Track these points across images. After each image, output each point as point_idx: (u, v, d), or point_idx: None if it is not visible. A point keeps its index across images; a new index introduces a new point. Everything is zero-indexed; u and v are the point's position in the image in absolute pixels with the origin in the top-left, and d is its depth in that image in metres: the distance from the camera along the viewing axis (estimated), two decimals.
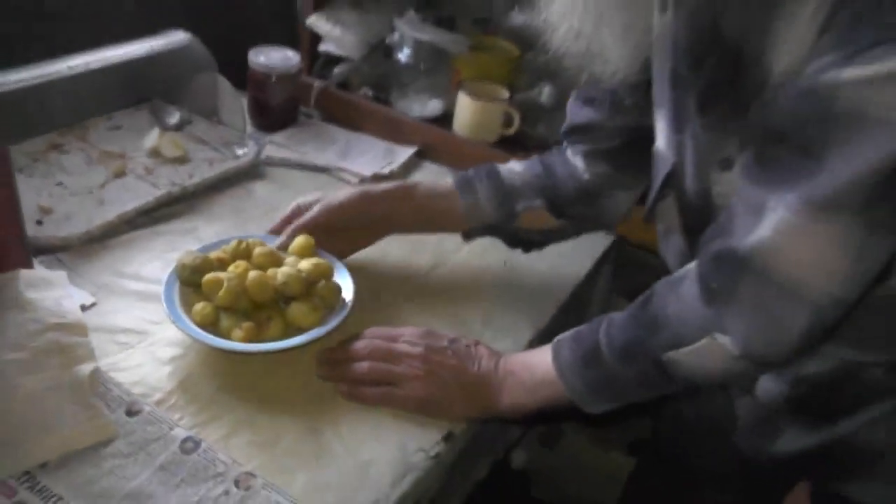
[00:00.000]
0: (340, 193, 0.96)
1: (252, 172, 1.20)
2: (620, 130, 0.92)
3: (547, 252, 1.07)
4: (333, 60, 1.46)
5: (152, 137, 1.18)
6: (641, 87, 0.80)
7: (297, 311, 0.83)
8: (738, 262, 0.63)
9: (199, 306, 0.81)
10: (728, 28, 0.63)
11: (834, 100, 0.54)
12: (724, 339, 0.66)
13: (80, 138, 1.16)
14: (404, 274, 1.03)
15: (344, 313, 0.86)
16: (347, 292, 0.89)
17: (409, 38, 1.42)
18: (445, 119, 1.40)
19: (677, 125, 0.74)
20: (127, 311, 0.88)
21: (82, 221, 0.99)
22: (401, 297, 0.98)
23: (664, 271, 0.79)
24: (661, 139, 0.78)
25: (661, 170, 0.79)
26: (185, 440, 0.71)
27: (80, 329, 0.78)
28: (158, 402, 0.76)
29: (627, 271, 1.25)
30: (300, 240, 0.91)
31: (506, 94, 1.39)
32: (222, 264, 0.86)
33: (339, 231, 0.95)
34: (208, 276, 0.82)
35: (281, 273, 0.84)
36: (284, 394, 0.81)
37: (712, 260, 0.66)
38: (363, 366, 0.82)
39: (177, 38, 1.20)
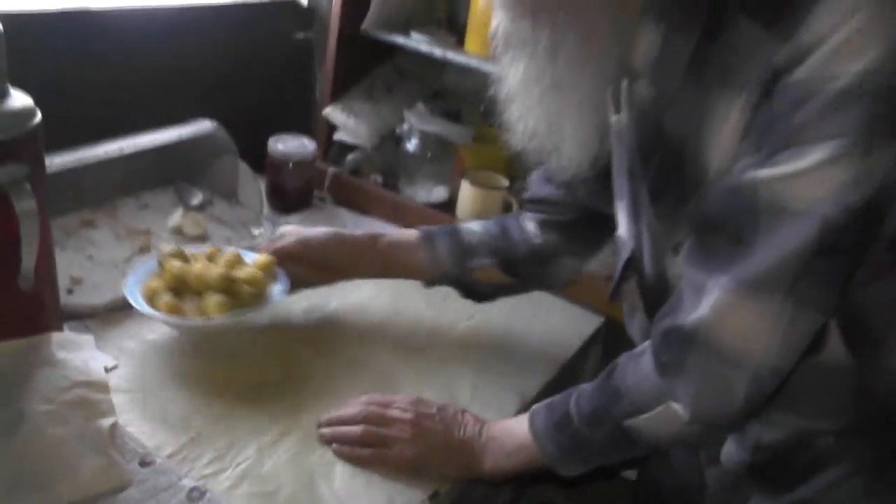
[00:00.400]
0: (317, 231, 1.09)
1: None
2: (573, 207, 1.03)
3: (537, 329, 1.15)
4: (347, 148, 1.57)
5: (176, 217, 1.28)
6: (593, 179, 0.88)
7: (209, 299, 0.98)
8: (684, 337, 0.71)
9: (152, 285, 0.99)
10: (670, 128, 0.72)
11: (755, 196, 0.63)
12: (676, 406, 0.73)
13: (110, 215, 1.26)
14: (402, 346, 1.11)
15: (247, 313, 1.00)
16: (270, 300, 1.03)
17: (417, 129, 1.53)
18: (449, 205, 1.50)
19: (635, 215, 0.83)
20: (145, 375, 0.96)
21: (108, 292, 1.08)
22: (399, 366, 1.06)
23: None
24: (623, 227, 0.87)
25: (622, 255, 0.87)
26: (192, 490, 0.78)
27: (103, 387, 0.86)
28: (170, 455, 0.83)
29: (619, 351, 1.32)
30: (263, 256, 1.05)
31: (505, 182, 1.49)
32: (191, 259, 1.04)
33: (307, 263, 1.07)
34: (170, 261, 1.01)
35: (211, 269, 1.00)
36: (285, 452, 0.88)
37: (662, 336, 0.74)
38: (357, 429, 0.89)
39: (202, 126, 1.31)
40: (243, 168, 1.36)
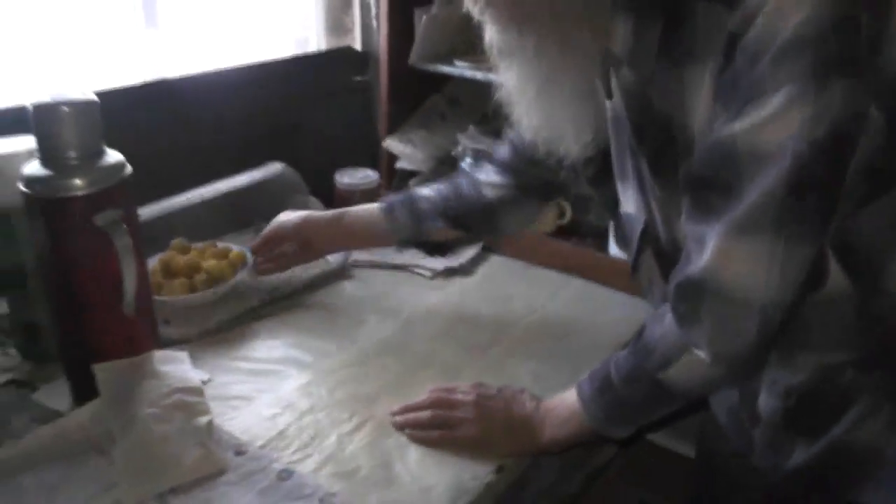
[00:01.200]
0: (290, 215, 1.28)
1: (341, 274, 1.41)
2: (536, 176, 1.16)
3: (596, 321, 1.27)
4: (408, 175, 1.69)
5: None
6: (591, 161, 0.98)
7: (175, 283, 1.22)
8: (694, 286, 0.78)
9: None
10: (657, 105, 0.81)
11: (734, 147, 0.71)
12: (698, 352, 0.80)
13: None
14: (467, 344, 1.20)
15: (196, 297, 1.22)
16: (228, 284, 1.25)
17: (470, 149, 1.64)
18: None
19: (641, 189, 0.90)
20: (237, 384, 1.08)
21: (198, 324, 1.21)
22: (464, 361, 1.15)
23: None
24: (630, 204, 0.95)
25: (634, 229, 0.95)
26: (281, 471, 0.89)
27: (199, 391, 0.99)
28: (261, 446, 0.94)
29: None
30: (235, 252, 1.30)
31: None
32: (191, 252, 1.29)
33: (286, 243, 1.28)
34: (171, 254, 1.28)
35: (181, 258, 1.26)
36: (363, 439, 0.98)
37: (676, 289, 0.81)
38: (426, 414, 0.99)
39: (273, 168, 1.45)
40: (314, 203, 1.49)
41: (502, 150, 1.21)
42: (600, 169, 0.99)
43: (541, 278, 1.43)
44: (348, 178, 1.55)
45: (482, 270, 1.47)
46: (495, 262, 1.50)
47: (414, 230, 1.24)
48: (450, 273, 1.44)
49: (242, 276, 1.28)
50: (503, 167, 1.20)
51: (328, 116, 1.74)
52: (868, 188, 0.74)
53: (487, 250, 1.53)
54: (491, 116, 1.75)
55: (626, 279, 1.31)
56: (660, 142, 0.82)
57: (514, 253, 1.51)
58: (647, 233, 0.94)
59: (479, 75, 1.56)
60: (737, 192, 0.72)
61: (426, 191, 1.25)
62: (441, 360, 1.16)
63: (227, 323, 1.23)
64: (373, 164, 1.67)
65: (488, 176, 1.21)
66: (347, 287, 1.38)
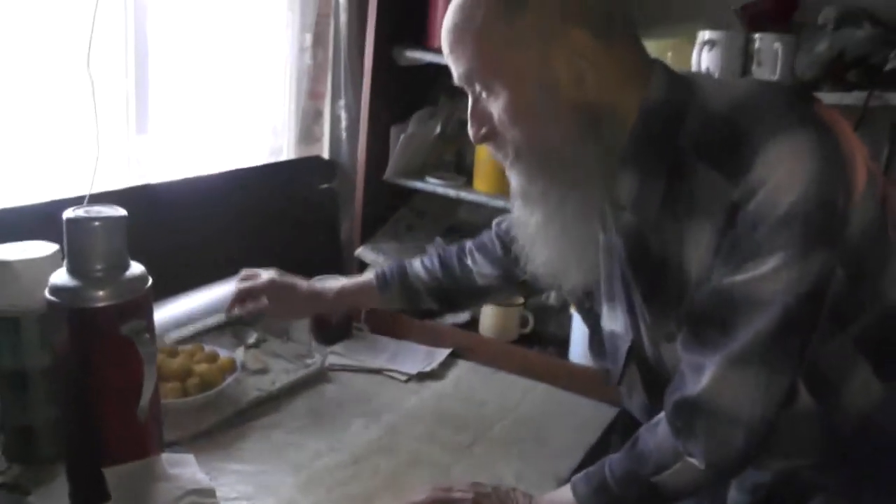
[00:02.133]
0: (287, 280, 1.37)
1: (320, 377, 1.48)
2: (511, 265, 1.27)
3: (563, 423, 1.35)
4: None
5: (239, 354, 1.47)
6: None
7: (167, 386, 1.24)
8: (691, 406, 0.90)
9: None
10: (654, 247, 0.94)
11: (732, 295, 0.85)
12: (692, 460, 0.91)
13: None
14: (451, 446, 1.28)
15: (189, 401, 1.26)
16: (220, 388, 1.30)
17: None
18: (473, 324, 1.70)
19: (630, 312, 1.03)
20: (237, 485, 1.13)
21: (192, 424, 1.25)
22: (451, 461, 1.23)
23: None
24: (618, 324, 1.07)
25: (619, 346, 1.07)
26: None
27: (211, 493, 1.03)
28: None
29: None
30: (225, 358, 1.37)
31: (521, 300, 1.68)
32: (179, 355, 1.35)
33: (273, 302, 1.35)
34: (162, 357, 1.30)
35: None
36: None
37: (673, 407, 0.92)
38: None
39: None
40: None
41: (494, 246, 1.32)
42: (588, 292, 1.11)
43: (509, 383, 1.53)
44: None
45: (452, 374, 1.56)
46: (464, 367, 1.59)
47: (405, 304, 1.38)
48: (422, 377, 1.52)
49: (232, 380, 1.33)
50: (494, 261, 1.32)
51: (297, 223, 1.82)
52: (831, 327, 0.88)
53: (455, 355, 1.62)
54: (456, 228, 1.89)
55: (588, 384, 1.44)
56: (654, 278, 0.95)
57: (482, 359, 1.61)
58: (634, 350, 1.05)
59: (450, 192, 1.68)
60: (732, 331, 0.86)
61: (419, 269, 1.35)
62: (428, 460, 1.23)
63: (218, 425, 1.27)
64: (338, 270, 1.75)
65: (480, 267, 1.33)
66: (328, 390, 1.45)
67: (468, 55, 0.93)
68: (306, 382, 1.45)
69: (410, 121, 1.78)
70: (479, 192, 1.72)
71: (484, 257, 1.33)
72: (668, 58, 1.56)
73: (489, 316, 1.68)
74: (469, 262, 1.34)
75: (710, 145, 0.87)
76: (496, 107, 0.93)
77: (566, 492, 1.04)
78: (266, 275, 1.36)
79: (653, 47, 1.52)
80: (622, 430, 1.43)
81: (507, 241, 1.28)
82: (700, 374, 0.89)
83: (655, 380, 1.02)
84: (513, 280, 1.32)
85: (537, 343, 1.68)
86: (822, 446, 0.94)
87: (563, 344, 1.63)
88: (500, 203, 1.71)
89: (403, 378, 1.51)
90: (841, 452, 0.94)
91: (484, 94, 0.94)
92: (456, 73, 0.96)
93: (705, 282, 0.89)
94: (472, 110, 0.97)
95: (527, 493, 1.09)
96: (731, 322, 0.86)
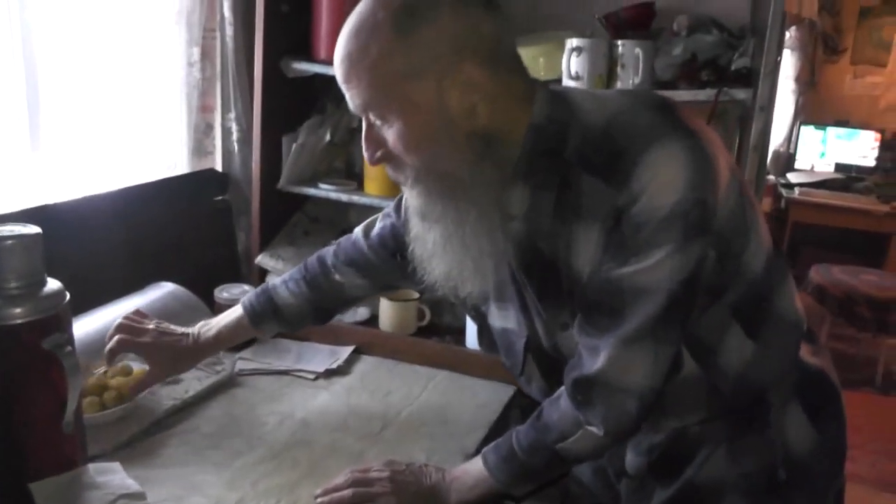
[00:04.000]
0: (141, 344, 1.34)
1: (232, 382, 1.53)
2: (395, 276, 1.37)
3: (467, 403, 1.45)
4: None
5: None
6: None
7: (86, 401, 1.27)
8: (589, 382, 1.03)
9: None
10: (545, 250, 1.06)
11: (621, 284, 0.98)
12: (591, 428, 1.04)
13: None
14: (363, 433, 1.37)
15: (108, 414, 1.30)
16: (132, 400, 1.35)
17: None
18: (373, 320, 1.79)
19: (524, 310, 1.15)
20: (165, 489, 1.17)
21: (114, 436, 1.29)
22: (365, 447, 1.32)
23: None
24: (511, 322, 1.19)
25: (516, 342, 1.20)
26: None
27: (142, 496, 1.09)
28: None
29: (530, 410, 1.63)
30: (137, 370, 1.39)
31: (416, 294, 1.79)
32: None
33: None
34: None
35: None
36: None
37: (573, 384, 1.05)
38: (348, 492, 1.14)
39: (166, 288, 1.56)
40: (204, 314, 1.59)
41: (366, 258, 1.39)
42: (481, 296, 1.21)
43: (412, 373, 1.63)
44: (227, 293, 1.68)
45: (358, 369, 1.64)
46: (369, 362, 1.68)
47: (284, 329, 1.44)
48: (330, 374, 1.60)
49: (147, 391, 1.37)
50: (366, 271, 1.39)
51: (197, 235, 1.86)
52: (706, 299, 1.03)
53: (359, 352, 1.71)
54: (349, 231, 1.96)
55: (484, 368, 1.56)
56: (545, 278, 1.08)
57: (384, 353, 1.70)
58: (530, 344, 1.18)
59: (343, 197, 1.77)
60: (622, 315, 0.99)
61: (286, 296, 1.39)
62: (343, 448, 1.32)
63: (138, 436, 1.31)
64: (237, 279, 1.81)
65: (350, 279, 1.40)
66: (240, 393, 1.51)
67: (363, 86, 0.97)
68: (218, 388, 1.50)
69: (300, 130, 1.85)
70: (370, 195, 1.81)
71: (355, 271, 1.39)
72: (540, 63, 1.70)
73: (387, 312, 1.77)
74: (337, 277, 1.40)
75: (593, 157, 0.98)
76: (391, 134, 0.99)
77: (477, 462, 1.14)
78: (147, 330, 1.35)
79: (526, 54, 1.67)
80: (520, 406, 1.56)
81: (381, 251, 1.36)
82: (596, 354, 1.02)
83: (553, 366, 1.15)
84: (384, 285, 1.44)
85: (435, 334, 1.79)
86: (707, 405, 1.10)
87: (459, 333, 1.75)
88: (389, 204, 1.80)
89: (311, 376, 1.59)
90: (722, 408, 1.10)
91: (378, 122, 1.00)
92: (351, 102, 1.00)
93: (595, 275, 1.01)
94: (366, 135, 1.02)
95: (439, 467, 1.19)
96: (621, 308, 0.99)
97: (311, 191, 1.82)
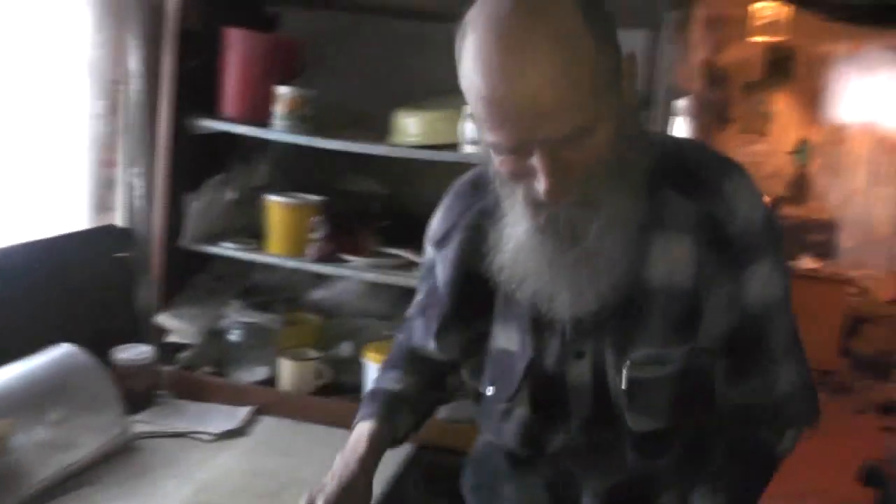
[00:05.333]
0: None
1: (126, 447, 1.51)
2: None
3: None
4: (179, 347, 1.83)
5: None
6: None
7: None
8: (779, 406, 1.10)
9: None
10: None
11: (754, 312, 1.05)
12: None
13: None
14: (262, 495, 1.36)
15: None
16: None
17: (236, 322, 1.82)
18: (273, 380, 1.79)
19: (536, 331, 1.06)
20: None
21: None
22: None
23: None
24: (514, 343, 1.09)
25: (515, 364, 1.09)
26: None
27: None
28: None
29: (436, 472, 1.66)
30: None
31: (316, 353, 1.80)
32: None
33: None
34: None
35: None
36: None
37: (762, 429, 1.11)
38: None
39: (64, 351, 1.52)
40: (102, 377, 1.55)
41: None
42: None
43: (312, 432, 1.65)
44: (125, 353, 1.66)
45: (257, 430, 1.65)
46: (268, 423, 1.69)
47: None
48: (229, 435, 1.59)
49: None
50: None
51: (97, 293, 1.83)
52: None
53: (259, 412, 1.71)
54: (252, 290, 1.97)
55: None
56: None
57: (285, 413, 1.71)
58: (531, 369, 1.08)
59: (244, 255, 1.78)
60: (766, 338, 1.07)
61: (399, 388, 1.22)
62: None
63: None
64: (137, 338, 1.78)
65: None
66: (136, 457, 1.49)
67: (568, 110, 0.86)
68: (114, 453, 1.47)
69: (204, 188, 1.85)
70: (272, 254, 1.82)
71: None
72: (438, 128, 1.75)
73: (286, 371, 1.77)
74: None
75: (677, 173, 1.00)
76: (594, 142, 0.89)
77: None
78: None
79: (424, 118, 1.73)
80: (420, 464, 1.58)
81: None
82: (770, 389, 1.07)
83: (547, 395, 1.08)
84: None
85: (335, 392, 1.80)
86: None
87: (357, 391, 1.74)
88: (291, 264, 1.83)
89: (210, 438, 1.58)
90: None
91: (570, 145, 0.88)
92: (544, 143, 0.87)
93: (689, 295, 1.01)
94: (554, 170, 0.88)
95: None
96: (765, 332, 1.05)
97: (214, 249, 1.82)
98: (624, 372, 1.03)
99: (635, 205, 0.96)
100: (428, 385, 1.24)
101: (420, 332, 1.22)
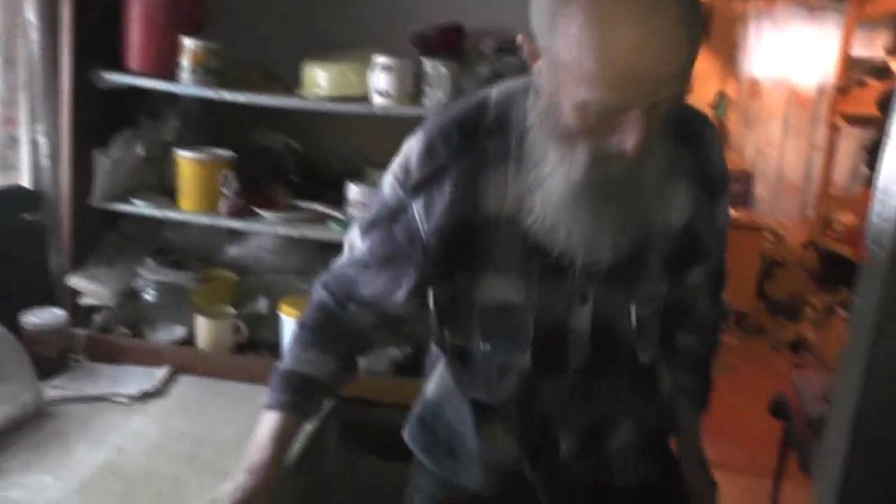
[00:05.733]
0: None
1: (39, 413, 1.47)
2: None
3: None
4: (93, 309, 1.79)
5: None
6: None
7: None
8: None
9: None
10: None
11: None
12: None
13: None
14: (178, 456, 1.36)
15: None
16: None
17: (151, 281, 1.79)
18: (190, 340, 1.77)
19: (543, 279, 1.04)
20: None
21: None
22: (182, 471, 1.31)
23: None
24: (515, 294, 1.06)
25: (522, 316, 1.07)
26: None
27: None
28: None
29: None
30: None
31: (232, 310, 1.79)
32: None
33: None
34: None
35: None
36: None
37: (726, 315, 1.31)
38: None
39: None
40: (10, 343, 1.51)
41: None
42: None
43: (230, 391, 1.64)
44: (36, 318, 1.61)
45: (176, 390, 1.63)
46: (186, 382, 1.67)
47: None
48: (146, 396, 1.57)
49: None
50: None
51: (5, 255, 1.76)
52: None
53: (176, 372, 1.69)
54: (164, 249, 1.93)
55: None
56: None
57: (202, 372, 1.69)
58: (540, 318, 1.07)
59: (157, 213, 1.74)
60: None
61: (315, 364, 1.17)
62: (158, 473, 1.32)
63: None
64: (51, 301, 1.73)
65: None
66: (48, 424, 1.46)
67: (686, 72, 0.88)
68: (26, 420, 1.44)
69: (113, 144, 1.80)
70: (185, 210, 1.79)
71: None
72: (350, 79, 1.74)
73: (203, 329, 1.75)
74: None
75: (673, 125, 0.97)
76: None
77: None
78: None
79: (336, 69, 1.71)
80: (341, 416, 1.59)
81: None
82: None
83: (546, 346, 1.08)
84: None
85: (253, 350, 1.79)
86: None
87: (275, 347, 1.74)
88: (204, 220, 1.81)
89: (126, 401, 1.55)
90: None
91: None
92: (666, 95, 0.87)
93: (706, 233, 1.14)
94: (646, 128, 0.89)
95: None
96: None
97: (125, 207, 1.77)
98: (632, 310, 1.09)
99: (669, 157, 1.00)
100: (347, 356, 1.19)
101: (378, 286, 1.12)
